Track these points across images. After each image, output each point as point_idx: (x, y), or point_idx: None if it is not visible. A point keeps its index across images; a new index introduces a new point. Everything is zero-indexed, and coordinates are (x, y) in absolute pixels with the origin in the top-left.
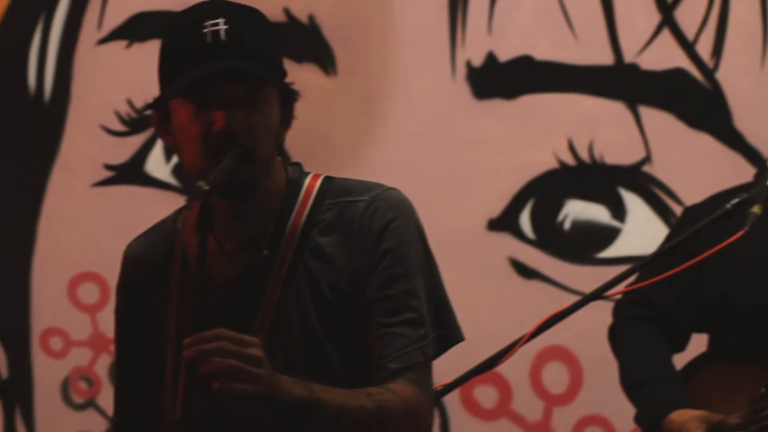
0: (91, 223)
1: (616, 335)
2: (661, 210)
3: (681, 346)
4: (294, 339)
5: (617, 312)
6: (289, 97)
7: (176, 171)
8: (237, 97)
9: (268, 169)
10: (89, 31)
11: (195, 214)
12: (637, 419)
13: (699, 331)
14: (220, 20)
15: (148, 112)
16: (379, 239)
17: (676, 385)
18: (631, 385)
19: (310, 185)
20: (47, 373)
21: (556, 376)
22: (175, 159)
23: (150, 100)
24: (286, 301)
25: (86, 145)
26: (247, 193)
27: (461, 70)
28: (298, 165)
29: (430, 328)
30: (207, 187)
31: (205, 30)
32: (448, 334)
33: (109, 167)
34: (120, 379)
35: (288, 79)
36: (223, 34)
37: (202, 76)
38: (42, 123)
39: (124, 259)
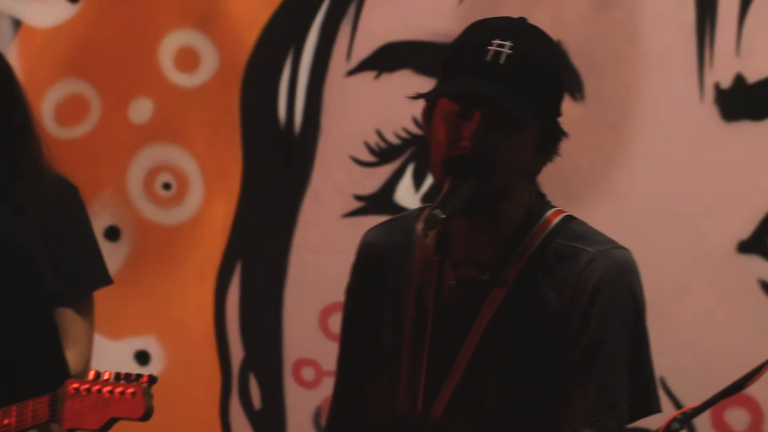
0: (342, 254)
1: None
2: None
3: None
4: (498, 362)
5: None
6: (551, 134)
7: (426, 200)
8: (495, 120)
9: (506, 195)
10: (338, 63)
11: (433, 239)
12: None
13: None
14: (508, 43)
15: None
16: (592, 299)
17: None
18: None
19: (548, 219)
20: (300, 404)
21: None
22: (424, 188)
23: (399, 130)
24: (498, 324)
25: (336, 176)
26: (478, 214)
27: (709, 93)
28: (542, 196)
29: (629, 395)
30: (443, 216)
31: (490, 48)
32: (647, 403)
33: (358, 198)
34: (343, 358)
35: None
36: (503, 58)
37: (460, 94)
38: (292, 155)
39: (362, 244)
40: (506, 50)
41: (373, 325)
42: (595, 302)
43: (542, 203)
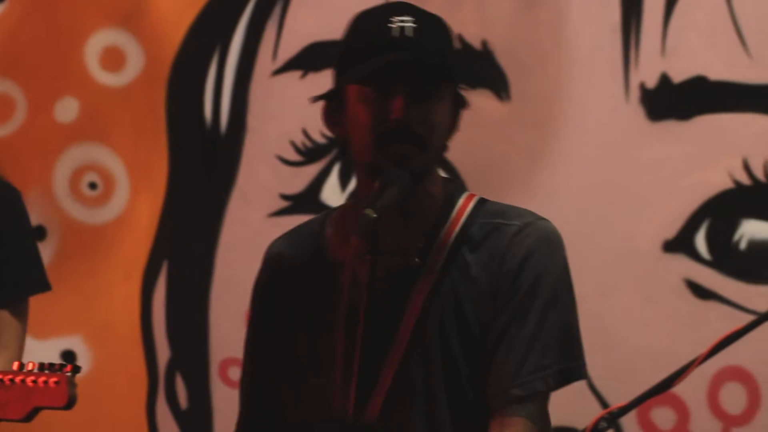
0: None
1: None
2: None
3: None
4: (433, 351)
5: None
6: (459, 103)
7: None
8: (416, 91)
9: (433, 167)
10: (264, 62)
11: (363, 237)
12: None
13: None
14: (408, 18)
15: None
16: (522, 266)
17: None
18: None
19: (465, 203)
20: (226, 403)
21: (733, 397)
22: (350, 187)
23: (325, 129)
24: (430, 311)
25: (262, 175)
26: (416, 183)
27: (635, 92)
28: (454, 181)
29: (557, 359)
30: (375, 215)
31: (392, 25)
32: (573, 369)
33: (285, 197)
34: (253, 371)
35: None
36: (409, 31)
37: (389, 63)
38: (218, 154)
39: (269, 256)
40: (410, 24)
41: (286, 334)
42: (524, 270)
43: (456, 187)
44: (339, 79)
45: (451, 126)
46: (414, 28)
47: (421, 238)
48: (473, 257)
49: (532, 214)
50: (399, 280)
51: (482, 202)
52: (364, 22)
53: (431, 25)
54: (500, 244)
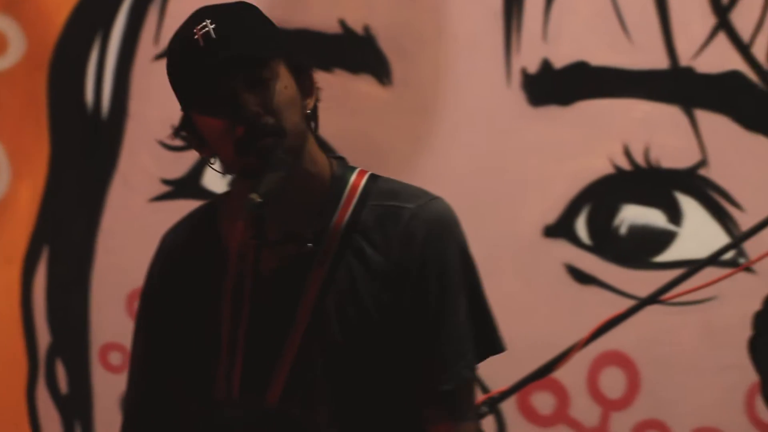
0: (149, 238)
1: (757, 348)
2: (718, 213)
3: None
4: (333, 334)
5: (758, 323)
6: (300, 68)
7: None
8: (244, 85)
9: (303, 144)
10: (146, 47)
11: (248, 223)
12: None
13: None
14: (207, 21)
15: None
16: (422, 251)
17: None
18: None
19: (355, 183)
20: (107, 388)
21: (613, 381)
22: None
23: None
24: (327, 296)
25: (143, 160)
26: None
27: (516, 78)
28: (342, 159)
29: (474, 341)
30: (260, 200)
31: (196, 36)
32: (492, 345)
33: (166, 182)
34: (142, 360)
35: (344, 90)
36: (213, 33)
37: (201, 73)
38: (99, 139)
39: (160, 249)
40: (210, 26)
41: (181, 326)
42: (425, 253)
43: (343, 167)
44: (182, 110)
45: (303, 95)
46: (215, 28)
47: (313, 223)
48: (368, 241)
49: (425, 194)
50: (294, 267)
51: (374, 179)
52: (174, 45)
53: (233, 15)
54: (396, 229)
